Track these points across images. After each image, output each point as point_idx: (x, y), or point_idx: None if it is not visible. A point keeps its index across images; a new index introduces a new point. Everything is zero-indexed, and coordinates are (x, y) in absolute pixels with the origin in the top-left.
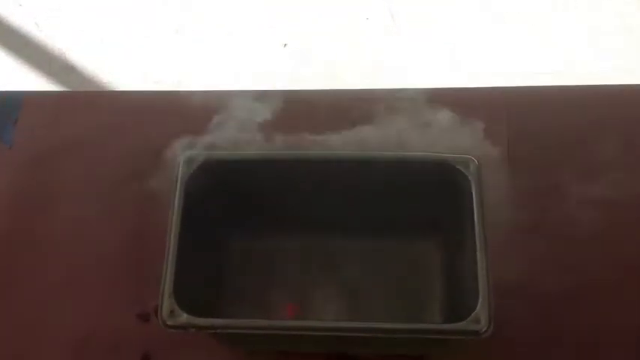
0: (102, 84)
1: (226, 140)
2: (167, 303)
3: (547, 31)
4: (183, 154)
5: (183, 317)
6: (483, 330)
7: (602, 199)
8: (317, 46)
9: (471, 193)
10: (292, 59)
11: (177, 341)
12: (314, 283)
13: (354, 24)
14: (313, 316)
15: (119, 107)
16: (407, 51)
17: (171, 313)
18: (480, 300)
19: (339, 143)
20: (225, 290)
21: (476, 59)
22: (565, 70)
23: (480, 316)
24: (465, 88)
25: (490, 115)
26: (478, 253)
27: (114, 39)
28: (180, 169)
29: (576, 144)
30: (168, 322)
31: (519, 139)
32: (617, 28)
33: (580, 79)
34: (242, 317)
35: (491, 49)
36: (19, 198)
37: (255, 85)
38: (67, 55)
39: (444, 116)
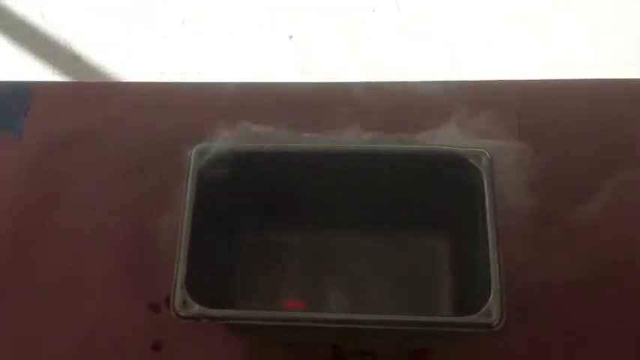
0: (108, 74)
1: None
2: (179, 294)
3: (547, 32)
4: (195, 147)
5: (196, 308)
6: (495, 323)
7: (612, 194)
8: (320, 39)
9: (483, 187)
10: (296, 52)
11: (188, 331)
12: (322, 276)
13: (360, 17)
14: (322, 309)
15: (127, 98)
16: (408, 50)
17: (184, 303)
18: (492, 293)
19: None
20: (234, 281)
21: (476, 59)
22: (564, 70)
23: (492, 309)
24: (479, 81)
25: (503, 107)
26: (490, 247)
27: (120, 29)
28: (192, 161)
29: (589, 137)
30: (181, 313)
31: (532, 132)
32: (617, 30)
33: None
34: (250, 308)
35: (490, 50)
36: (28, 189)
37: (259, 77)
38: (73, 45)
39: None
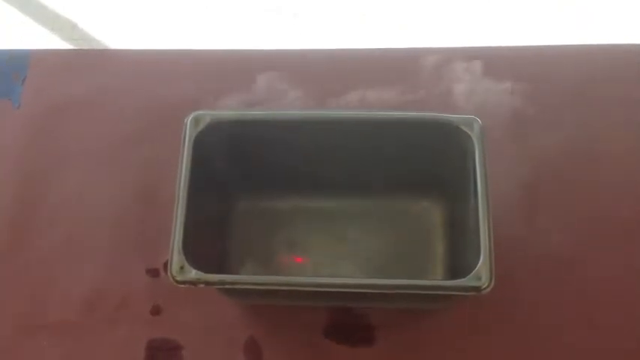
0: (105, 41)
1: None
2: (177, 259)
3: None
4: (191, 114)
5: (193, 273)
6: (484, 286)
7: (615, 161)
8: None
9: (474, 153)
10: (299, 29)
11: (187, 296)
12: (317, 241)
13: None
14: (318, 273)
15: (126, 66)
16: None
17: (181, 269)
18: (482, 256)
19: None
20: (231, 247)
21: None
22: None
23: (481, 273)
24: (490, 47)
25: (515, 73)
26: (480, 211)
27: None
28: (188, 128)
29: (600, 103)
30: (178, 278)
31: (543, 98)
32: None
33: None
34: (247, 273)
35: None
36: (27, 157)
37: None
38: (71, 11)
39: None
